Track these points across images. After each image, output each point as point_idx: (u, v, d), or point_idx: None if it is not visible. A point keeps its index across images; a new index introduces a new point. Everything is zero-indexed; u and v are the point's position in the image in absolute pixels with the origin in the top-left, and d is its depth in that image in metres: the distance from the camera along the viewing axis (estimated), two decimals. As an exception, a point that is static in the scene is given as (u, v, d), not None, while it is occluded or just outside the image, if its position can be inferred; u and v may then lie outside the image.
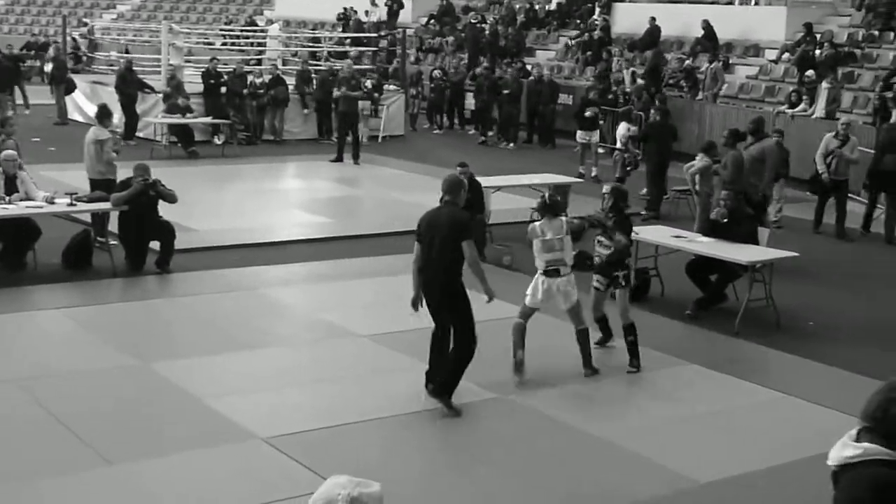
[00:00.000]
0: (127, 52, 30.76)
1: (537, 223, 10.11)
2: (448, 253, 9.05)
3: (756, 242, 12.50)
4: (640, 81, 24.66)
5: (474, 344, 9.23)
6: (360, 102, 24.82)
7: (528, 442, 8.72)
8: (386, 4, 35.28)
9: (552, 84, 26.40)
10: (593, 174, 20.81)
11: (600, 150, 22.13)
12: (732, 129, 15.79)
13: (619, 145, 20.24)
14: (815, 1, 28.07)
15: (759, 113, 19.31)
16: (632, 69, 26.06)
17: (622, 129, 20.19)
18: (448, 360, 9.31)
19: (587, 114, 21.54)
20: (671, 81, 25.65)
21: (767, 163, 15.33)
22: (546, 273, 9.98)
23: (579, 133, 21.79)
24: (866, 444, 4.06)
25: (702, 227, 13.18)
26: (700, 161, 15.34)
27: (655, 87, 24.51)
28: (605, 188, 10.95)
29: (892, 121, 18.91)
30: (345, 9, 36.51)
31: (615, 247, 10.47)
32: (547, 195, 10.42)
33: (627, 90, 24.43)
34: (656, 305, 12.58)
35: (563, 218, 10.16)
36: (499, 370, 10.00)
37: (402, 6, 35.16)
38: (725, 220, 12.50)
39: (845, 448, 4.16)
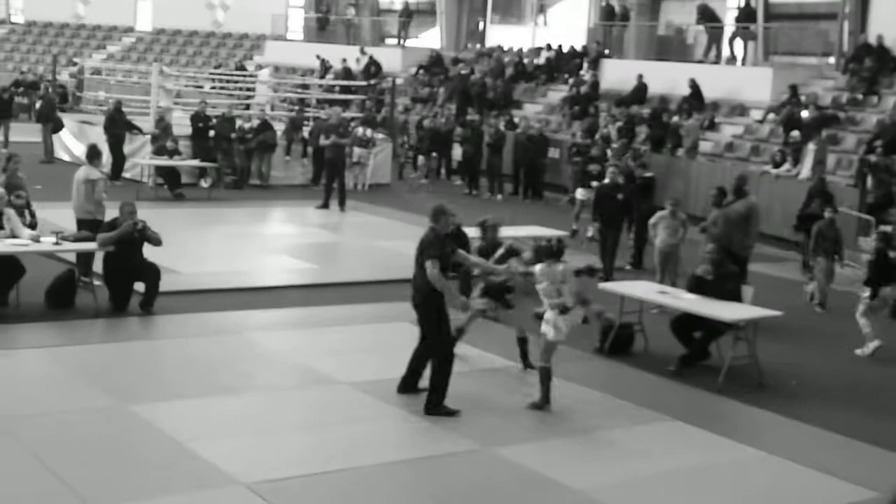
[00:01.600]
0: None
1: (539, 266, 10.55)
2: (417, 269, 10.23)
3: (739, 300, 12.55)
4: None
5: (445, 355, 10.17)
6: (358, 150, 24.98)
7: (507, 495, 8.67)
8: (367, 64, 35.70)
9: (543, 138, 26.48)
10: (589, 234, 19.79)
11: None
12: (720, 188, 15.92)
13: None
14: (799, 63, 28.38)
15: (743, 171, 19.47)
16: (618, 124, 26.21)
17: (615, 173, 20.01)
18: (430, 377, 10.30)
19: (593, 171, 21.41)
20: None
21: (753, 220, 15.41)
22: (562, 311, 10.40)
23: (580, 190, 21.39)
24: None
25: (687, 283, 13.21)
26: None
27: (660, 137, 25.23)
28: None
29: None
30: (318, 57, 36.91)
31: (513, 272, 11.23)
32: (554, 240, 10.99)
33: (614, 146, 24.55)
34: (639, 361, 12.59)
35: (564, 263, 10.64)
36: (482, 420, 10.05)
37: (379, 67, 35.57)
38: (710, 277, 12.56)
39: None
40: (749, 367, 12.00)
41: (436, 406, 10.20)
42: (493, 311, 11.85)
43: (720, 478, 9.34)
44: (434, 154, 28.30)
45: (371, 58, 35.97)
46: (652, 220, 15.89)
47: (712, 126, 26.49)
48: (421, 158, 28.51)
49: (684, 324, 12.48)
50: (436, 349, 10.29)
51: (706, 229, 15.33)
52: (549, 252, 10.61)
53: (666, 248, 15.48)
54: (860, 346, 13.63)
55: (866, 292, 13.66)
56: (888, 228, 14.81)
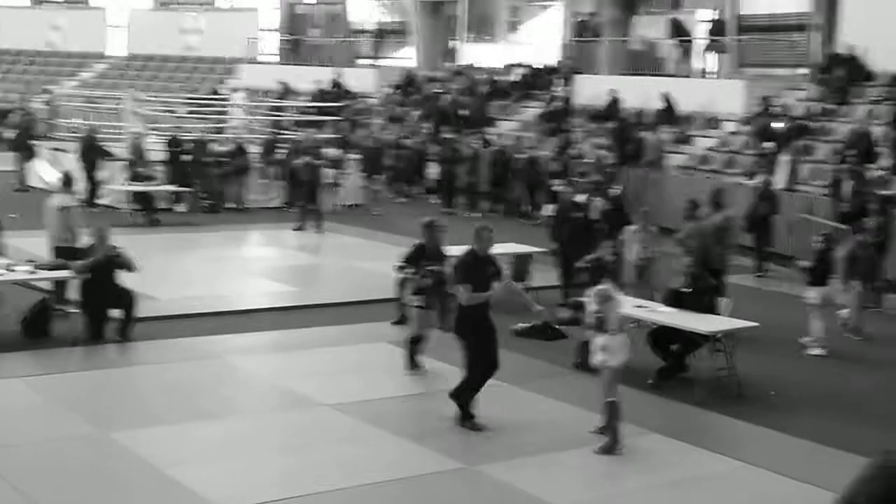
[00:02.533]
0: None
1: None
2: None
3: (716, 312, 12.58)
4: (600, 152, 24.93)
5: (476, 371, 10.30)
6: (330, 171, 25.04)
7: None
8: (333, 85, 35.73)
9: (535, 162, 26.00)
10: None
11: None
12: (692, 200, 15.96)
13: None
14: (771, 75, 28.55)
15: (718, 183, 19.56)
16: (595, 140, 26.28)
17: (598, 203, 20.02)
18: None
19: (553, 186, 21.55)
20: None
21: (730, 233, 15.49)
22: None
23: (546, 207, 21.60)
24: None
25: (664, 296, 13.24)
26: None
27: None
28: None
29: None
30: (279, 82, 36.99)
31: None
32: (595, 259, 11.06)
33: (588, 161, 24.62)
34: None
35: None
36: (465, 438, 10.09)
37: (342, 88, 35.61)
38: (687, 290, 12.59)
39: None
40: (728, 378, 12.03)
41: (457, 400, 10.41)
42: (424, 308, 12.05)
43: (703, 490, 9.35)
44: (375, 176, 27.13)
45: (335, 80, 35.95)
46: (624, 237, 15.88)
47: (686, 139, 26.59)
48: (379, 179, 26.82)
49: (662, 336, 12.50)
50: (471, 371, 10.37)
51: (681, 242, 15.37)
52: (606, 270, 10.73)
53: (639, 263, 15.51)
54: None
55: (811, 292, 14.19)
56: (829, 232, 15.41)
